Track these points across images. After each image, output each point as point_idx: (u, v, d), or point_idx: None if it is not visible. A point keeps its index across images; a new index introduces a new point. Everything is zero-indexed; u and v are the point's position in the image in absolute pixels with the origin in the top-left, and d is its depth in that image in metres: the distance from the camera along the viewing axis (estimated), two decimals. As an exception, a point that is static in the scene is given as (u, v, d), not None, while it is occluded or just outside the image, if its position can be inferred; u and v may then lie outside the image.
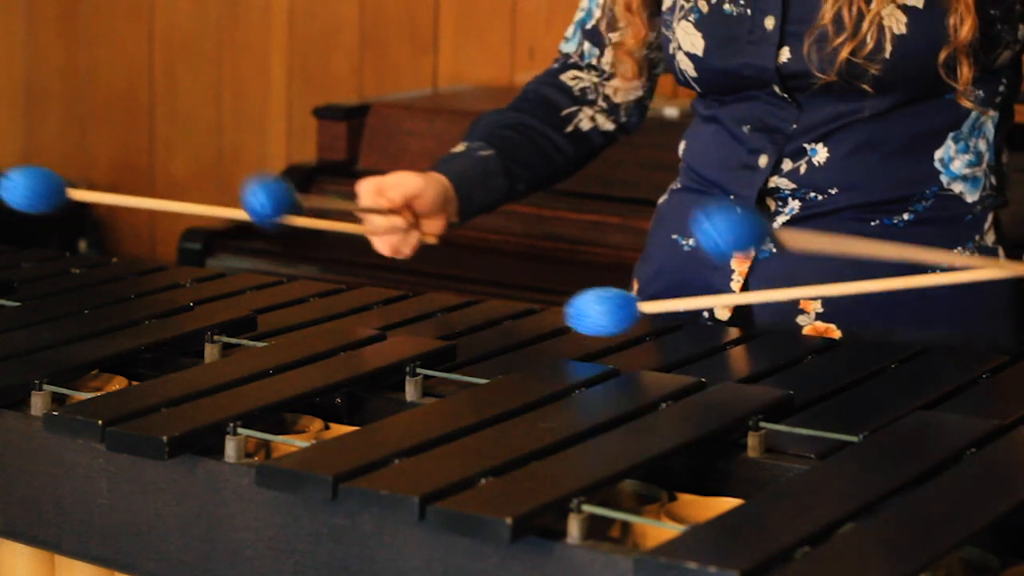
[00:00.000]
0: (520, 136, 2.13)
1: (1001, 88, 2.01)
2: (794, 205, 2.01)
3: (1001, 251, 2.04)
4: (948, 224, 2.00)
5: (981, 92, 1.98)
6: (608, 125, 2.19)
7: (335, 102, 3.76)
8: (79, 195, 1.92)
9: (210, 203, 2.11)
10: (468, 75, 4.01)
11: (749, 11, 2.00)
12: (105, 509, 1.58)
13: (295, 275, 2.78)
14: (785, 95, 1.99)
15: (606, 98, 2.19)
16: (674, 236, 2.11)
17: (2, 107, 4.58)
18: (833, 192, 1.99)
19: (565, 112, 2.17)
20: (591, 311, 1.72)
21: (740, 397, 1.62)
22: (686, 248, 2.09)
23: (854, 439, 1.51)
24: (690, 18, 2.04)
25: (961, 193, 2.00)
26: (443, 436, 1.49)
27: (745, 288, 2.03)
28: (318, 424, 1.64)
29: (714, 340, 1.89)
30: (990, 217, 2.02)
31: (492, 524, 1.30)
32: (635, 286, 2.19)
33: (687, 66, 2.05)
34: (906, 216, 1.99)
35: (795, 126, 2.00)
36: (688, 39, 2.04)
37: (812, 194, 2.00)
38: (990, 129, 2.01)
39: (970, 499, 1.37)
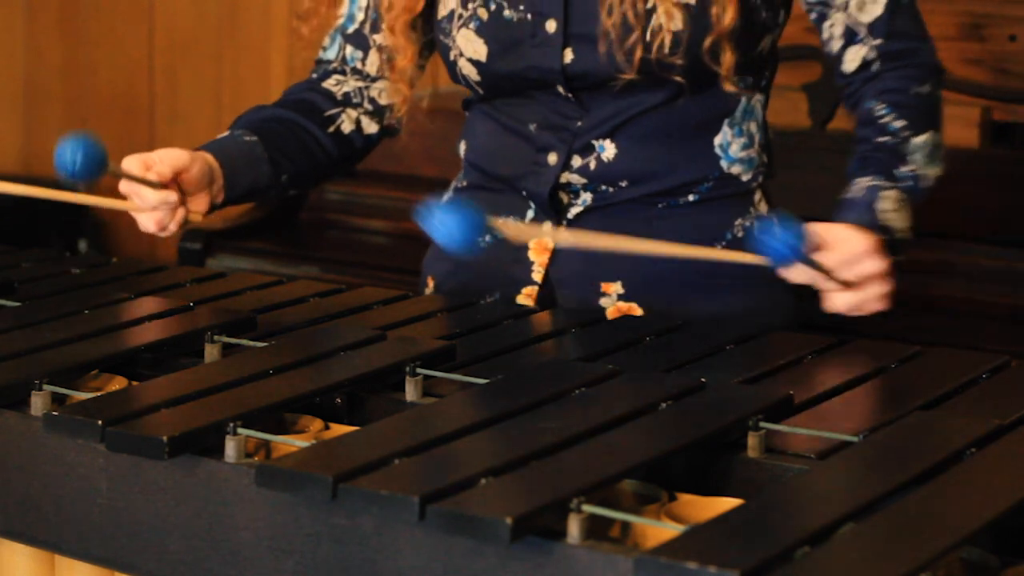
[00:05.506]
0: (283, 128, 2.18)
1: (766, 72, 2.12)
2: (586, 197, 2.09)
3: None
4: (727, 200, 2.09)
5: (750, 77, 2.08)
6: (372, 127, 2.24)
7: (335, 102, 3.75)
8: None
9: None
10: (468, 75, 4.00)
11: (530, 16, 2.06)
12: (105, 509, 1.57)
13: (295, 275, 2.78)
14: (569, 95, 2.06)
15: (372, 100, 2.23)
16: None
17: (2, 107, 4.57)
18: (623, 184, 2.08)
19: (327, 113, 2.21)
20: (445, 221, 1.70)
21: (740, 397, 1.62)
22: (483, 244, 2.11)
23: (854, 439, 1.51)
24: (470, 26, 2.09)
25: (739, 174, 2.09)
26: (443, 436, 1.49)
27: (546, 278, 2.10)
28: (318, 424, 1.64)
29: (714, 340, 1.89)
30: (760, 190, 2.13)
31: (492, 524, 1.30)
32: (430, 283, 2.23)
33: (470, 71, 2.10)
34: (691, 198, 2.07)
35: (580, 123, 2.07)
36: (470, 46, 2.09)
37: (603, 187, 2.08)
38: (759, 112, 2.12)
39: (970, 499, 1.36)
